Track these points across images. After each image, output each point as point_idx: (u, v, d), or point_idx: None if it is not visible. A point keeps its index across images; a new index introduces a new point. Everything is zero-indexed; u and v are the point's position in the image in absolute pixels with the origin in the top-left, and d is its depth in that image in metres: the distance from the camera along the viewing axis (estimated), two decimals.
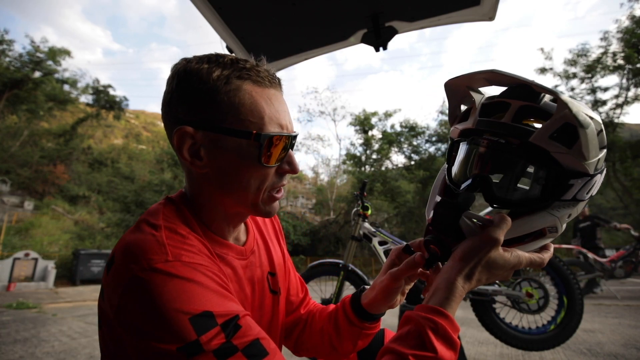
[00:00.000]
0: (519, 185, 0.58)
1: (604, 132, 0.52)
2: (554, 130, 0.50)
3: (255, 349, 0.46)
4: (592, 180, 0.52)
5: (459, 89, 0.63)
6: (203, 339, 0.43)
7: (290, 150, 0.61)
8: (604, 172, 0.55)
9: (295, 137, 0.62)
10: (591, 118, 0.50)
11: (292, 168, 0.62)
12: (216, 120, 0.55)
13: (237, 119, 0.55)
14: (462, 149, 0.62)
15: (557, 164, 0.51)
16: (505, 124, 0.54)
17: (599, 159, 0.52)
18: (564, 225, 0.56)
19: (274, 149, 0.57)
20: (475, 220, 0.56)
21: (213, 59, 0.57)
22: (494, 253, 0.53)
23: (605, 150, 0.53)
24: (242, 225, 0.71)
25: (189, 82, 0.55)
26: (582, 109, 0.50)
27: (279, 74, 0.65)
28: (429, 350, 0.45)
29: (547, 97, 0.56)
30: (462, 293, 0.52)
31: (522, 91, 0.56)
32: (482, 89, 0.65)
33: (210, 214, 0.62)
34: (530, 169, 0.56)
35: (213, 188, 0.60)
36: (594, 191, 0.54)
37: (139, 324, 0.44)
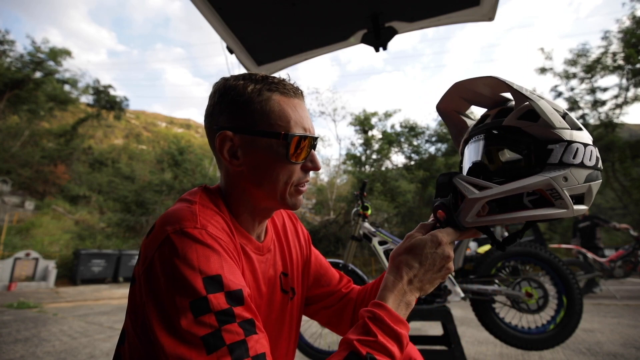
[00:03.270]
0: (507, 160, 0.68)
1: (571, 116, 0.63)
2: (520, 114, 0.63)
3: (249, 325, 0.51)
4: (571, 145, 0.61)
5: (451, 115, 0.78)
6: (211, 297, 0.49)
7: (312, 150, 0.71)
8: (590, 146, 0.62)
9: (316, 138, 0.72)
10: (540, 97, 0.62)
11: (315, 165, 0.72)
12: (251, 125, 0.66)
13: (268, 123, 0.66)
14: (463, 154, 0.77)
15: (530, 136, 0.63)
16: (486, 123, 0.69)
17: (571, 133, 0.62)
18: (567, 194, 0.61)
19: (298, 147, 0.67)
20: (464, 181, 0.66)
21: (247, 77, 0.69)
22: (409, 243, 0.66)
23: (581, 132, 0.63)
24: (264, 226, 0.79)
25: (228, 95, 0.67)
26: (527, 88, 0.63)
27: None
28: (371, 335, 0.53)
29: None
30: (410, 291, 0.63)
31: (496, 102, 0.72)
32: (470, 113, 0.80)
33: (240, 207, 0.72)
34: (512, 145, 0.66)
35: (247, 183, 0.69)
36: (584, 159, 0.61)
37: (163, 275, 0.52)
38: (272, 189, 0.68)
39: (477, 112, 0.79)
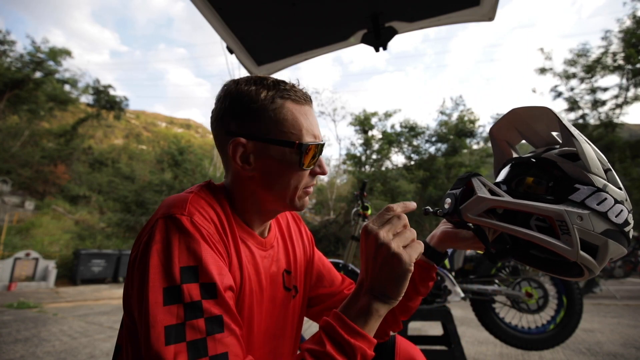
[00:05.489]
0: (535, 185, 0.69)
1: (614, 173, 0.62)
2: (562, 152, 0.65)
3: (215, 323, 0.51)
4: (600, 193, 0.59)
5: (501, 143, 0.80)
6: (184, 287, 0.51)
7: (320, 155, 0.73)
8: (622, 205, 0.60)
9: (324, 144, 0.73)
10: (588, 142, 0.63)
11: (322, 170, 0.75)
12: (264, 133, 0.67)
13: (281, 131, 0.67)
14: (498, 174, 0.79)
15: (562, 171, 0.64)
16: (528, 154, 0.73)
17: (606, 184, 0.60)
18: (577, 235, 0.58)
19: (310, 155, 0.69)
20: (480, 182, 0.68)
21: (258, 82, 0.69)
22: (367, 242, 0.58)
23: (619, 190, 0.61)
24: (268, 224, 0.80)
25: (241, 101, 0.67)
26: (581, 135, 0.64)
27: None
28: (320, 345, 0.52)
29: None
30: (364, 294, 0.57)
31: (547, 143, 0.75)
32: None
33: (246, 206, 0.73)
34: (542, 175, 0.68)
35: (257, 187, 0.71)
36: (609, 212, 0.59)
37: (145, 258, 0.54)
38: (282, 194, 0.70)
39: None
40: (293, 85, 0.71)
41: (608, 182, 0.61)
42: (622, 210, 0.59)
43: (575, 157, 0.63)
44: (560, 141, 0.70)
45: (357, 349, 0.51)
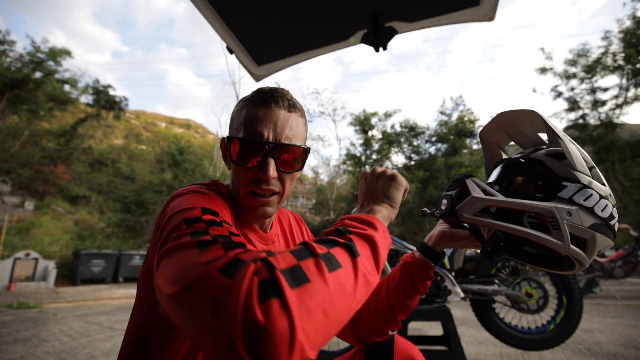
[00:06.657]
0: (525, 184, 0.72)
1: (597, 170, 0.66)
2: (549, 152, 0.68)
3: (233, 234, 0.50)
4: (586, 190, 0.63)
5: (490, 146, 0.83)
6: (204, 217, 0.53)
7: (269, 157, 0.67)
8: (607, 200, 0.64)
9: (274, 145, 0.68)
10: (573, 142, 0.67)
11: (263, 173, 0.68)
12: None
13: (230, 130, 0.75)
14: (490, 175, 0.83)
15: (550, 170, 0.67)
16: (517, 154, 0.77)
17: (591, 181, 0.64)
18: (567, 230, 0.62)
19: (240, 150, 0.69)
20: (474, 183, 0.71)
21: (253, 93, 0.74)
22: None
23: (603, 186, 0.65)
24: (268, 220, 0.82)
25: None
26: (566, 136, 0.67)
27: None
28: (345, 226, 0.56)
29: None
30: (367, 205, 0.68)
31: (534, 144, 0.79)
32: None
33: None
34: (531, 174, 0.71)
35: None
36: (595, 207, 0.63)
37: (168, 212, 0.58)
38: (235, 190, 0.75)
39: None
40: (264, 89, 0.72)
41: (593, 179, 0.65)
42: (607, 205, 0.63)
43: (562, 157, 0.66)
44: (547, 142, 0.73)
45: (373, 237, 0.54)
